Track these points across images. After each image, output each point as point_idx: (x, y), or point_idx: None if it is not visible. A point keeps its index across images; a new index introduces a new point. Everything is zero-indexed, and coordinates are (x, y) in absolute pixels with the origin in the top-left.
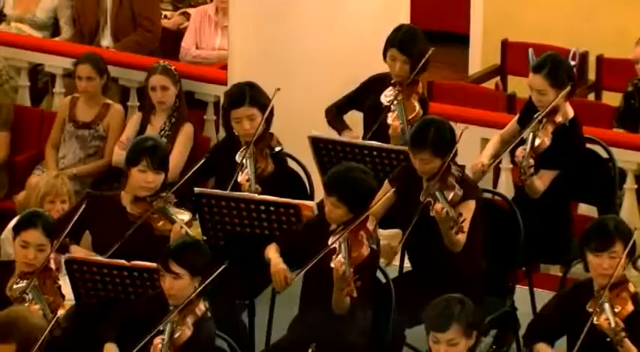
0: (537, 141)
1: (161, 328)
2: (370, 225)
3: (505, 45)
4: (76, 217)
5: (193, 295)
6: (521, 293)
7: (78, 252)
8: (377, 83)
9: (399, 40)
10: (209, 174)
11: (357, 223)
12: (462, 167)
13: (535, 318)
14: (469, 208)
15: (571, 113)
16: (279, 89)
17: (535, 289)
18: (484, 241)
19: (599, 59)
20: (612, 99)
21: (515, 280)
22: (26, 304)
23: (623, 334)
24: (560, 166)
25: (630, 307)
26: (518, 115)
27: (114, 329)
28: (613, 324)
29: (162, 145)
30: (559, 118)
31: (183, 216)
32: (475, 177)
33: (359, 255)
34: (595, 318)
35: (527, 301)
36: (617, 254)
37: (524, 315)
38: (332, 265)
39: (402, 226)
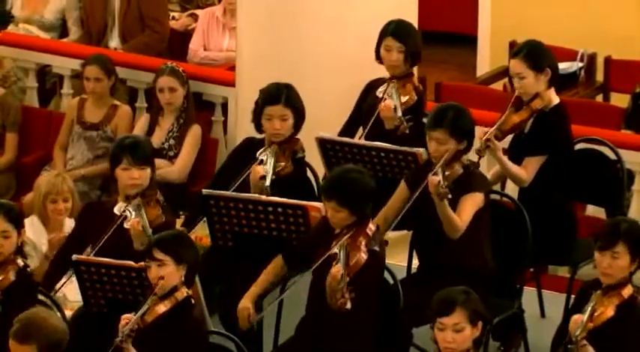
0: (506, 123)
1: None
2: (371, 229)
3: (513, 46)
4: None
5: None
6: (529, 294)
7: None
8: (371, 89)
9: (393, 29)
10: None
11: (351, 233)
12: (475, 163)
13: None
14: (475, 200)
15: (555, 100)
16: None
17: (543, 291)
18: (492, 240)
19: (607, 61)
20: (620, 100)
21: (523, 281)
22: None
23: (583, 342)
24: (541, 152)
25: (609, 313)
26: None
27: None
28: (579, 330)
29: (143, 141)
30: (535, 105)
31: (153, 211)
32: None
33: (356, 263)
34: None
35: (535, 303)
36: (619, 255)
37: (532, 317)
38: (328, 276)
39: (414, 225)
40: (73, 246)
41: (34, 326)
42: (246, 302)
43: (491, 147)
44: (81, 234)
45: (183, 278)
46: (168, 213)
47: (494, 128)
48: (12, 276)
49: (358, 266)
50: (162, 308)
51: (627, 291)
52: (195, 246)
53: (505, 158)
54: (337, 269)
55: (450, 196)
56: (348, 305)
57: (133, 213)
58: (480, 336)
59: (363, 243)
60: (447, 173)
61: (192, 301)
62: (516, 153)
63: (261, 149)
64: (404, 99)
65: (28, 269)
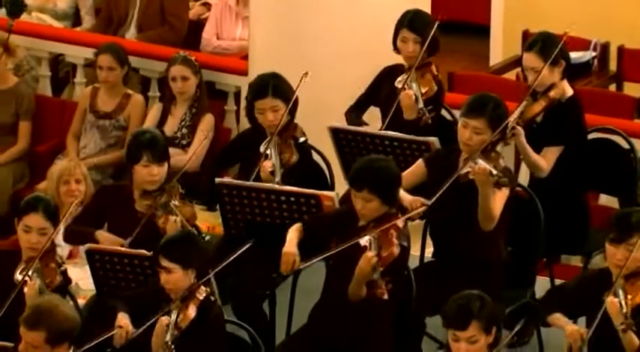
0: (527, 112)
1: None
2: (400, 223)
3: (526, 35)
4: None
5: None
6: (541, 284)
7: (104, 238)
8: (388, 75)
9: (409, 20)
10: (229, 163)
11: (386, 225)
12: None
13: (553, 289)
14: (504, 193)
15: (569, 92)
16: (306, 73)
17: (556, 280)
18: (507, 231)
19: (621, 50)
20: (634, 89)
21: (536, 271)
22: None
23: (630, 321)
24: (559, 142)
25: None
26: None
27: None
28: (625, 309)
29: (159, 136)
30: (553, 95)
31: (186, 210)
32: None
33: (390, 254)
34: (607, 300)
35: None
36: (634, 246)
37: None
38: (361, 261)
39: (431, 215)
40: (89, 221)
41: (44, 313)
42: (292, 248)
43: (516, 134)
44: (98, 211)
45: (194, 280)
46: (187, 205)
47: (515, 116)
48: (58, 277)
49: (390, 258)
50: (191, 313)
51: None
52: (202, 244)
53: (527, 145)
54: (372, 255)
55: (509, 185)
56: (386, 296)
57: (160, 212)
58: (494, 341)
59: (395, 235)
60: (492, 165)
61: (212, 298)
62: (528, 143)
63: (264, 142)
64: (424, 89)
65: (64, 266)
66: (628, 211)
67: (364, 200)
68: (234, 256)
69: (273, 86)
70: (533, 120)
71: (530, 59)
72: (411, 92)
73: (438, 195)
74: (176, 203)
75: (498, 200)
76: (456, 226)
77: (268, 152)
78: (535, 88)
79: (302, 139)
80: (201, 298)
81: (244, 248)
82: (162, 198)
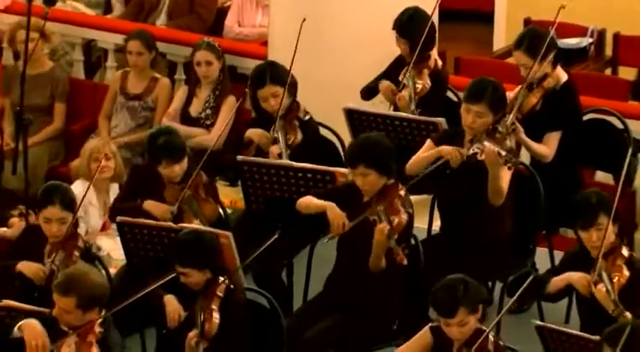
0: (525, 106)
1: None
2: (402, 191)
3: (527, 23)
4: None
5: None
6: (541, 254)
7: (152, 205)
8: (401, 61)
9: (399, 25)
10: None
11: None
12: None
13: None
14: (509, 171)
15: (563, 78)
16: (304, 19)
17: (554, 251)
18: (513, 204)
19: (616, 36)
20: (628, 73)
21: (536, 242)
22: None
23: (620, 308)
24: (557, 127)
25: (626, 273)
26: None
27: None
28: (612, 296)
29: (173, 136)
30: (547, 84)
31: (208, 206)
32: None
33: (399, 222)
34: (595, 288)
35: (546, 262)
36: (603, 225)
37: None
38: (376, 235)
39: (435, 186)
40: (130, 199)
41: (75, 280)
42: (338, 211)
43: (516, 131)
44: (135, 189)
45: (210, 276)
46: (210, 192)
47: (514, 111)
48: (76, 257)
49: (401, 226)
50: (216, 320)
51: (625, 251)
52: (214, 243)
53: (527, 138)
54: (385, 225)
55: (518, 164)
56: (405, 262)
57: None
58: (482, 315)
59: (400, 204)
60: (501, 143)
61: (232, 287)
62: (528, 130)
63: (272, 126)
64: (419, 87)
65: (88, 244)
66: (585, 195)
67: (362, 175)
68: (263, 248)
69: (270, 74)
70: (532, 110)
71: (520, 57)
72: (406, 93)
73: (422, 174)
74: (201, 196)
75: (506, 176)
76: (465, 204)
77: (276, 135)
78: (529, 80)
79: (306, 117)
80: (222, 295)
81: (271, 240)
82: (187, 192)
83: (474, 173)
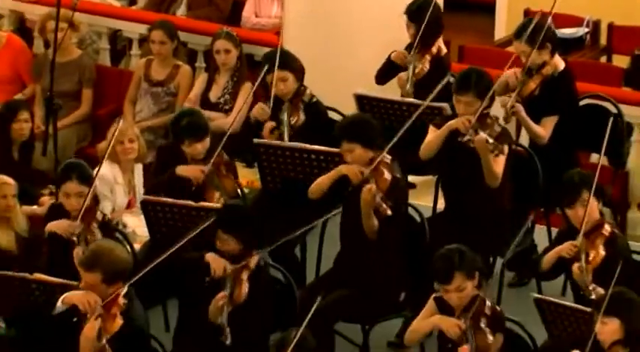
0: (524, 91)
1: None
2: (387, 158)
3: (527, 13)
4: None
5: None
6: (539, 231)
7: (183, 169)
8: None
9: (409, 10)
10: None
11: (377, 161)
12: (497, 119)
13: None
14: (501, 157)
15: (561, 66)
16: None
17: (552, 228)
18: (511, 184)
19: (610, 26)
20: (621, 61)
21: (535, 220)
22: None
23: (589, 291)
24: (555, 112)
25: (602, 252)
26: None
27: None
28: (585, 276)
29: (196, 117)
30: (545, 71)
31: (228, 182)
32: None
33: (384, 182)
34: (574, 266)
35: (545, 238)
36: (587, 201)
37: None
38: (362, 194)
39: (439, 168)
40: (158, 175)
41: (99, 256)
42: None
43: (516, 111)
44: (163, 167)
45: (243, 246)
46: (231, 170)
47: (514, 95)
48: (98, 234)
49: (386, 185)
50: (245, 288)
51: (607, 229)
52: (250, 216)
53: (528, 118)
54: (369, 186)
55: (505, 151)
56: (389, 212)
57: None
58: (480, 281)
59: (386, 168)
60: (488, 132)
61: (263, 263)
62: (527, 114)
63: (280, 108)
64: (417, 70)
65: (107, 217)
66: (569, 174)
67: (349, 151)
68: (300, 232)
69: (279, 60)
70: (531, 95)
71: (520, 46)
72: (404, 75)
73: (393, 140)
74: (223, 173)
75: (500, 160)
76: (466, 184)
77: (282, 117)
78: (529, 66)
79: (312, 101)
80: (252, 267)
81: (308, 227)
82: (209, 168)
83: (473, 156)
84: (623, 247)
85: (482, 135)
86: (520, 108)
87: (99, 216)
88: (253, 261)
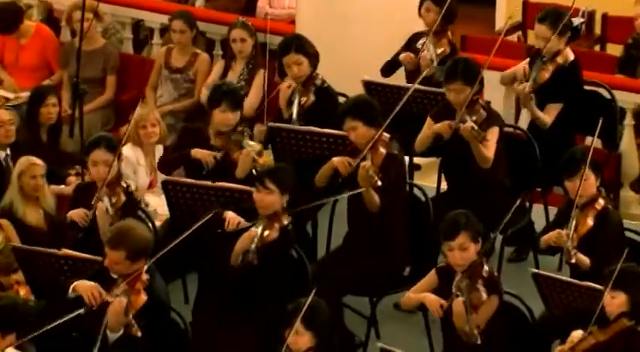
0: (539, 78)
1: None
2: (385, 137)
3: (526, 4)
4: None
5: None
6: (537, 210)
7: (198, 152)
8: (412, 40)
9: None
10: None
11: (374, 139)
12: (488, 102)
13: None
14: (494, 133)
15: (571, 56)
16: None
17: (549, 206)
18: (507, 164)
19: (604, 17)
20: (615, 49)
21: (533, 199)
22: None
23: (572, 252)
24: (560, 100)
25: (589, 223)
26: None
27: None
28: (570, 243)
29: (237, 88)
30: (560, 60)
31: (255, 146)
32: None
33: (379, 156)
34: (561, 232)
35: (542, 216)
36: (587, 176)
37: (540, 228)
38: (359, 172)
39: (439, 152)
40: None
41: (123, 235)
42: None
43: (529, 98)
44: (182, 147)
45: (284, 205)
46: (256, 143)
47: (530, 83)
48: (123, 196)
49: (380, 159)
50: (274, 233)
51: (600, 203)
52: (294, 178)
53: (536, 109)
54: (363, 163)
55: (484, 136)
56: (379, 183)
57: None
58: (482, 249)
59: (382, 145)
60: (474, 118)
61: (290, 227)
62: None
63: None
64: (439, 50)
65: (130, 189)
66: (571, 151)
67: (352, 129)
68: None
69: (295, 44)
70: (544, 82)
71: (543, 30)
72: (427, 54)
73: (389, 118)
74: (247, 141)
75: (490, 144)
76: (465, 166)
77: (292, 99)
78: (544, 53)
79: (324, 85)
80: (285, 223)
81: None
82: (236, 136)
83: (466, 140)
84: (615, 222)
85: (468, 123)
86: (532, 97)
87: (124, 184)
88: (282, 222)
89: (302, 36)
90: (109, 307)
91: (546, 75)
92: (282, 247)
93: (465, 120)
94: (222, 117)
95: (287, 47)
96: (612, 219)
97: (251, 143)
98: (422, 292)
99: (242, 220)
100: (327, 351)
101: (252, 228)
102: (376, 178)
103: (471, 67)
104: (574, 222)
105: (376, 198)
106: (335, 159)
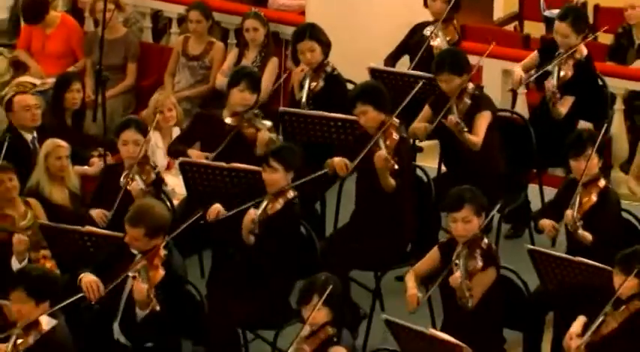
0: (562, 73)
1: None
2: (396, 122)
3: None
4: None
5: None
6: (533, 189)
7: (193, 154)
8: (418, 29)
9: None
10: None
11: (386, 126)
12: (481, 87)
13: (544, 205)
14: (485, 117)
15: (585, 51)
16: None
17: (544, 186)
18: (502, 147)
19: (596, 7)
20: (606, 38)
21: (529, 179)
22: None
23: (577, 225)
24: (577, 94)
25: (594, 199)
26: (538, 50)
27: None
28: (574, 214)
29: (256, 73)
30: (577, 55)
31: (267, 124)
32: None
33: (392, 141)
34: (567, 212)
35: (537, 196)
36: (589, 156)
37: (535, 207)
38: (375, 160)
39: (437, 136)
40: (186, 140)
41: (142, 213)
42: (338, 158)
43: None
44: (193, 132)
45: (290, 181)
46: (267, 120)
47: (554, 82)
48: (152, 175)
49: (394, 143)
50: (278, 206)
51: (602, 183)
52: (301, 156)
53: (562, 108)
54: (381, 153)
55: (465, 129)
56: (396, 166)
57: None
58: (484, 224)
59: (394, 130)
60: (460, 106)
61: (296, 201)
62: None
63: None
64: (449, 38)
65: (157, 168)
66: (578, 132)
67: (363, 114)
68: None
69: (309, 31)
70: (567, 79)
71: (563, 28)
72: (441, 43)
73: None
74: (259, 119)
75: (482, 124)
76: (457, 149)
77: (303, 83)
78: (561, 48)
79: (334, 73)
80: (289, 197)
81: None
82: (249, 115)
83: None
84: (614, 201)
85: (452, 117)
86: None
87: (152, 163)
88: (286, 196)
89: (316, 24)
90: (134, 289)
91: (569, 72)
92: (285, 219)
93: (451, 111)
94: (240, 97)
95: (302, 34)
96: (612, 197)
97: (264, 122)
98: (425, 267)
99: (222, 210)
100: (340, 324)
101: (252, 211)
102: (392, 162)
103: (458, 57)
104: (578, 198)
105: (392, 181)
106: (335, 160)
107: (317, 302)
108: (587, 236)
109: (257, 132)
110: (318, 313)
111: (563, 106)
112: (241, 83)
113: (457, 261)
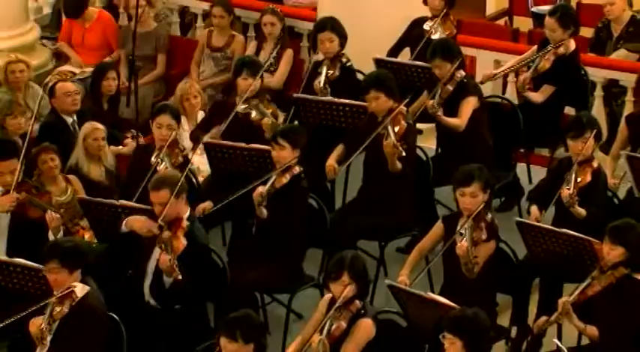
0: (540, 65)
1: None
2: (403, 109)
3: None
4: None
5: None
6: (520, 168)
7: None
8: (417, 24)
9: None
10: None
11: (394, 113)
12: (470, 76)
13: (537, 185)
14: (470, 102)
15: (572, 47)
16: None
17: (531, 165)
18: (490, 129)
19: (579, 4)
20: (587, 32)
21: (517, 159)
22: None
23: (573, 200)
24: (556, 84)
25: (588, 178)
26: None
27: None
28: (570, 190)
29: (255, 60)
30: (562, 50)
31: (269, 110)
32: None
33: (401, 128)
34: (563, 189)
35: (525, 174)
36: (587, 139)
37: (523, 183)
38: (384, 147)
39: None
40: (205, 126)
41: (164, 178)
42: (331, 161)
43: (527, 87)
44: (211, 118)
45: (296, 159)
46: (272, 106)
47: (530, 72)
48: (180, 158)
49: (402, 130)
50: (284, 180)
51: (595, 163)
52: (305, 136)
53: (533, 94)
54: (390, 140)
55: (439, 113)
56: (404, 153)
57: (254, 112)
58: (489, 200)
59: (402, 117)
60: (441, 92)
61: (302, 175)
62: (537, 84)
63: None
64: (447, 32)
65: (185, 151)
66: (579, 114)
67: (374, 99)
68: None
69: (330, 24)
70: (545, 70)
71: (551, 24)
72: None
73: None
74: (264, 105)
75: (466, 109)
76: (447, 132)
77: (320, 70)
78: (550, 41)
79: (348, 64)
80: (295, 172)
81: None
82: (254, 101)
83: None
84: (604, 181)
85: (429, 103)
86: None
87: (181, 146)
88: (292, 172)
89: (336, 18)
90: (160, 259)
91: (547, 64)
92: (292, 190)
93: (436, 96)
94: (245, 84)
95: (323, 26)
96: (603, 177)
97: (269, 106)
98: (430, 241)
99: (208, 207)
100: (364, 296)
101: (260, 187)
102: (401, 149)
103: (448, 45)
104: (574, 175)
105: (399, 164)
106: (326, 164)
107: (347, 279)
108: (582, 212)
109: (262, 120)
110: (348, 288)
111: (542, 94)
112: (243, 72)
113: (462, 231)
